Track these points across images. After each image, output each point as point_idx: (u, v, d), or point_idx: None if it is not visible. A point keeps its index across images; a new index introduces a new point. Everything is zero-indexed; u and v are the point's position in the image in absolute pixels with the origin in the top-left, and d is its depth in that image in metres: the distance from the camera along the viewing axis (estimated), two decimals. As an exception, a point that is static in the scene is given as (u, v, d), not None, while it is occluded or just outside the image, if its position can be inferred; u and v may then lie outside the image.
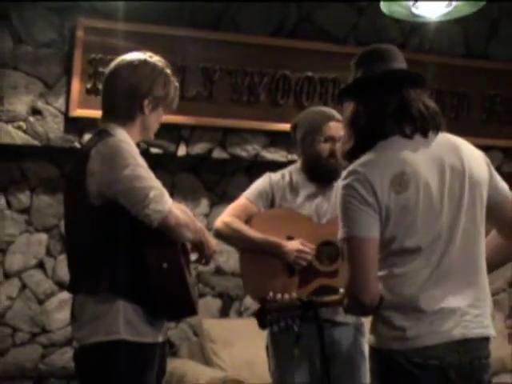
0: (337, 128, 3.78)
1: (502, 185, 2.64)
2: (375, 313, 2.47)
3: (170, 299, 2.85)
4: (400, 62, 2.59)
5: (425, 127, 2.51)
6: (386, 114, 2.51)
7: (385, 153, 2.47)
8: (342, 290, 2.56)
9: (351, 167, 2.48)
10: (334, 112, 3.89)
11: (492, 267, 2.63)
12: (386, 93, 2.52)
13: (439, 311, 2.42)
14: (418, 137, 2.50)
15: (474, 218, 2.50)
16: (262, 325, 2.73)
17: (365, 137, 2.53)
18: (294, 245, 3.71)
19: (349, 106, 2.60)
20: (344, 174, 2.49)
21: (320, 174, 3.83)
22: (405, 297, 2.43)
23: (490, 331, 2.51)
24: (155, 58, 3.01)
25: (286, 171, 3.91)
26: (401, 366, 2.40)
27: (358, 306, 2.47)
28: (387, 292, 2.44)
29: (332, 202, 3.78)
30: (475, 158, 2.56)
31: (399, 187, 2.41)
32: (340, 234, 2.46)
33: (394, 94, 2.52)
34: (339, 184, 2.52)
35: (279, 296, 2.71)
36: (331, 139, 3.77)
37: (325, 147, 3.78)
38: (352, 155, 2.54)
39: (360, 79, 2.58)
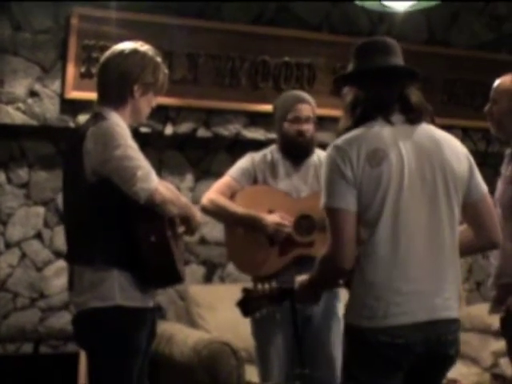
0: (303, 109, 3.78)
1: (482, 185, 2.59)
2: (350, 289, 2.46)
3: (157, 269, 2.86)
4: (398, 57, 2.55)
5: (414, 118, 2.49)
6: (382, 105, 2.50)
7: (367, 131, 2.47)
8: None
9: (335, 142, 2.48)
10: (304, 95, 3.89)
11: (461, 254, 2.57)
12: (385, 86, 2.49)
13: (407, 293, 2.39)
14: (403, 124, 2.49)
15: (445, 208, 2.46)
16: (245, 312, 2.71)
17: (360, 120, 2.52)
18: (272, 218, 3.71)
19: (349, 93, 2.57)
20: (329, 147, 2.49)
21: (291, 152, 3.83)
22: (375, 278, 2.41)
23: (455, 314, 2.49)
24: (145, 47, 2.99)
25: (267, 151, 3.90)
26: (370, 344, 2.38)
27: (336, 269, 2.45)
28: (359, 272, 2.43)
29: (306, 178, 3.77)
30: (456, 153, 2.52)
31: (373, 161, 2.41)
32: (321, 202, 2.46)
33: (392, 87, 2.49)
34: (322, 156, 2.51)
35: (260, 286, 2.70)
36: (298, 120, 3.77)
37: (292, 127, 3.77)
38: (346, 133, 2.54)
39: (363, 70, 2.54)
